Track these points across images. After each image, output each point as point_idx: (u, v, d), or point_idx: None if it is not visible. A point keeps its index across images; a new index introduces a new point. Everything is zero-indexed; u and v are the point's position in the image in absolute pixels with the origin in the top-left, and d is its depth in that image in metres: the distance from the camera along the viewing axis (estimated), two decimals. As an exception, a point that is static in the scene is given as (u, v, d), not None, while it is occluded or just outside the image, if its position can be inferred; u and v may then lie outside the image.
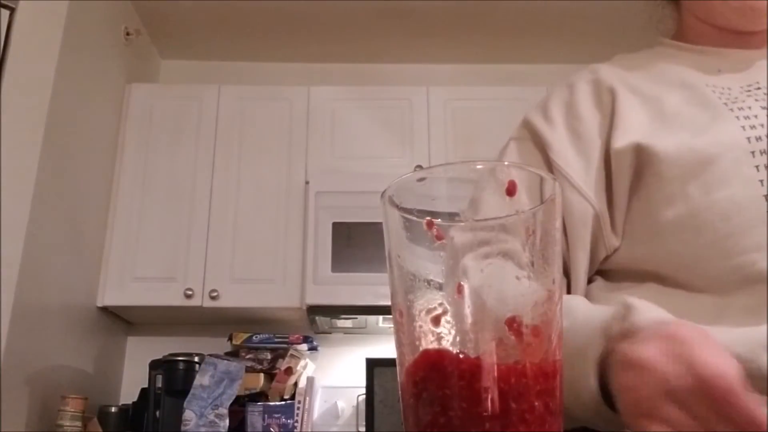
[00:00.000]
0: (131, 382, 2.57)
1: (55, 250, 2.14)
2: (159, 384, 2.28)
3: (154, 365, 2.34)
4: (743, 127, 0.70)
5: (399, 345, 0.38)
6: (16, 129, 2.02)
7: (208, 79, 2.93)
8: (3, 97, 2.03)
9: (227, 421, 2.25)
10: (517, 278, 0.36)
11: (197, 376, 2.29)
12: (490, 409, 0.33)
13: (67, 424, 2.02)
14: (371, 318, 2.52)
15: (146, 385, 2.32)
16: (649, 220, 0.72)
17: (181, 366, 2.34)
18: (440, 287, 0.36)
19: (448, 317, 0.35)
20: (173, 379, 2.31)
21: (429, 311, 0.36)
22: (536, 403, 0.34)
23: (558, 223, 0.37)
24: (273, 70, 3.09)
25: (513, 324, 0.35)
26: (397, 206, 0.37)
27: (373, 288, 2.29)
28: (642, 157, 0.72)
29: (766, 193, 0.67)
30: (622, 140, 0.73)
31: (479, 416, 0.33)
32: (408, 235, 0.37)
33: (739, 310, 0.64)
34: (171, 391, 2.29)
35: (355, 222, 2.44)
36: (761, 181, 0.68)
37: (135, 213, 2.54)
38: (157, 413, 2.26)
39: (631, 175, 0.74)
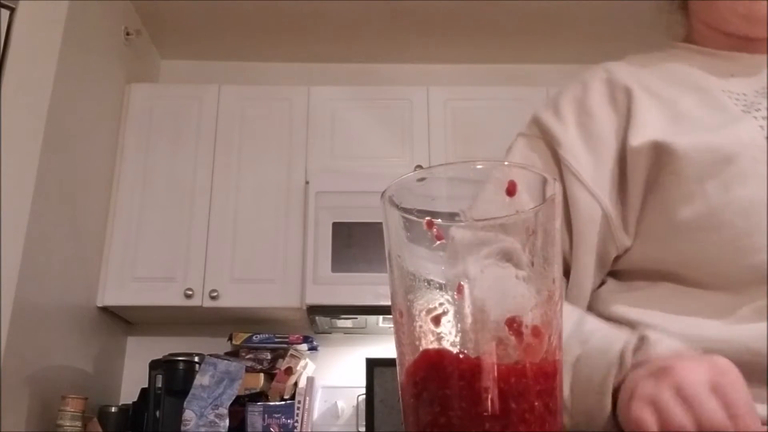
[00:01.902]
0: (131, 382, 2.57)
1: (55, 250, 2.13)
2: (159, 384, 2.28)
3: (154, 365, 2.33)
4: (762, 126, 0.71)
5: (399, 345, 0.38)
6: (16, 129, 2.02)
7: (208, 79, 2.93)
8: (3, 97, 2.03)
9: (227, 421, 2.24)
10: (517, 278, 0.36)
11: (197, 376, 2.29)
12: (490, 409, 0.33)
13: (67, 424, 2.02)
14: (371, 318, 2.52)
15: (146, 385, 2.32)
16: (665, 218, 0.72)
17: (181, 366, 2.34)
18: (440, 287, 0.36)
19: (448, 317, 0.35)
20: (173, 379, 2.31)
21: (429, 311, 0.36)
22: (536, 403, 0.34)
23: (558, 223, 0.37)
24: (273, 70, 3.09)
25: (513, 324, 0.35)
26: (397, 206, 0.37)
27: (373, 288, 2.29)
28: (660, 155, 0.72)
29: None
30: (639, 138, 0.74)
31: (479, 416, 0.33)
32: (408, 235, 0.37)
33: (753, 308, 0.65)
34: (171, 391, 2.29)
35: (355, 222, 2.43)
36: None
37: (135, 213, 2.53)
38: (157, 413, 2.26)
39: (647, 173, 0.74)
